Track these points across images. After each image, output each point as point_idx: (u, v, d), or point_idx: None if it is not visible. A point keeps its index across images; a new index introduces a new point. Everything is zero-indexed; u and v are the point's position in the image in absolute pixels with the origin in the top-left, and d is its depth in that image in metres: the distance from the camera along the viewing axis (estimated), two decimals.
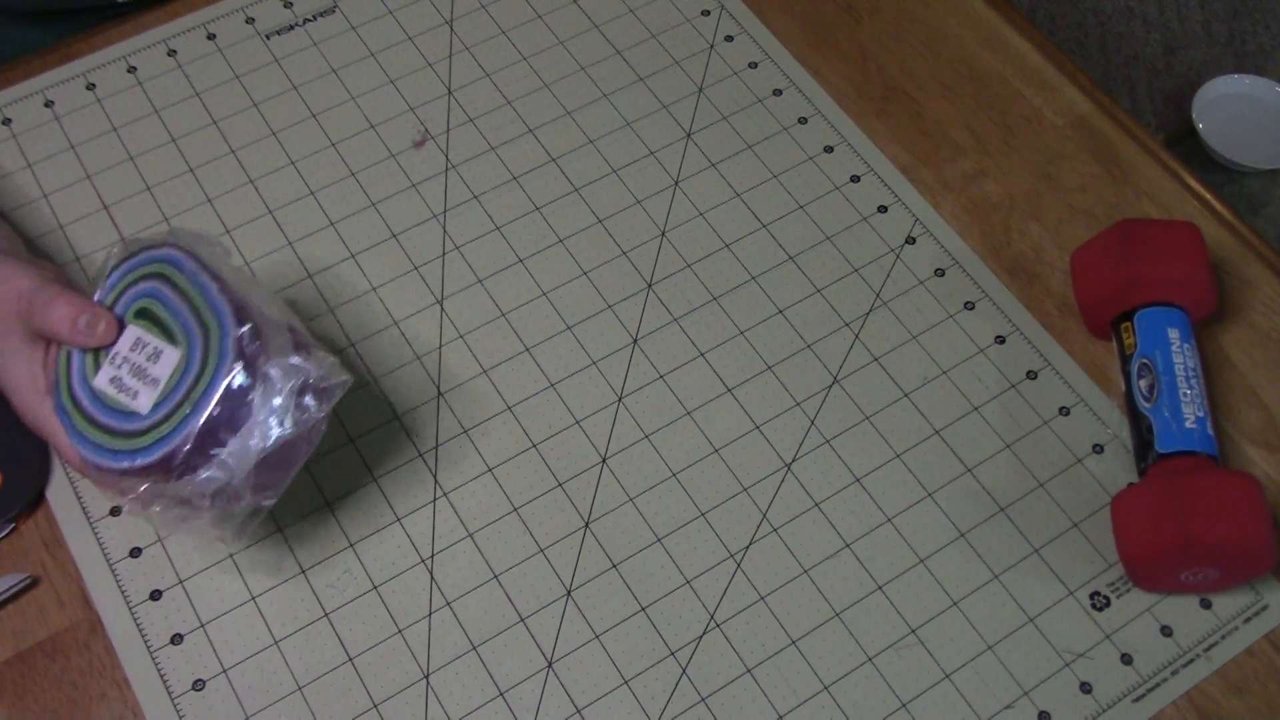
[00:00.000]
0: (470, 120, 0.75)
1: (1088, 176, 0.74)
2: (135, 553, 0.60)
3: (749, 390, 0.66)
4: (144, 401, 0.52)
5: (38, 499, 0.62)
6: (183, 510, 0.52)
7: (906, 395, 0.66)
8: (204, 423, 0.50)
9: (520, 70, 0.77)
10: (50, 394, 0.55)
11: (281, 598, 0.60)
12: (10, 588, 0.59)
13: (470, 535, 0.61)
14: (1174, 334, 0.63)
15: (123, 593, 0.59)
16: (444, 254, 0.70)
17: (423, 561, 0.61)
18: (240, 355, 0.51)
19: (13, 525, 0.61)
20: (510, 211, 0.71)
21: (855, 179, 0.74)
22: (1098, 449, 0.65)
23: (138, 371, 0.53)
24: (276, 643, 0.59)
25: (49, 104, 0.74)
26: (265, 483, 0.52)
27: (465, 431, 0.64)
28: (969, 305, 0.70)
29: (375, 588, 0.60)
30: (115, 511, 0.61)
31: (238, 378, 0.50)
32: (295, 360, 0.51)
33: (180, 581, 0.60)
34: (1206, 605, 0.61)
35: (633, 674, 0.58)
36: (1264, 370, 0.68)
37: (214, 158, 0.72)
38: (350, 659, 0.58)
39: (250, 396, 0.50)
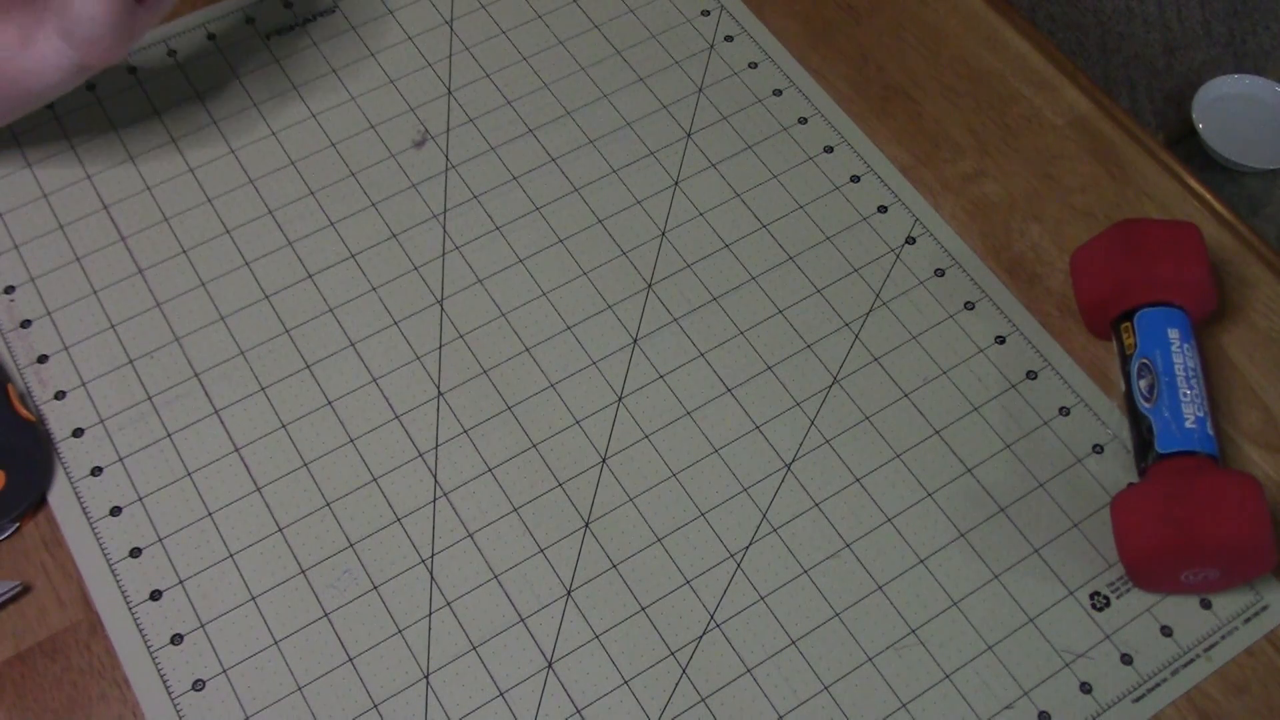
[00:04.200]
0: (470, 120, 0.75)
1: (1088, 176, 0.74)
2: (135, 553, 0.60)
3: (749, 390, 0.66)
4: None
5: (40, 500, 0.61)
6: None
7: (906, 395, 0.66)
8: None
9: (520, 70, 0.77)
10: None
11: (281, 598, 0.60)
12: (1, 595, 0.59)
13: (470, 535, 0.61)
14: (1174, 334, 0.63)
15: (123, 593, 0.59)
16: (444, 254, 0.70)
17: (423, 561, 0.61)
18: None
19: (16, 526, 0.61)
20: (510, 211, 0.71)
21: (855, 179, 0.74)
22: (1098, 449, 0.65)
23: None
24: (276, 643, 0.59)
25: (49, 104, 0.74)
26: None
27: (465, 431, 0.64)
28: (969, 305, 0.70)
29: (375, 588, 0.60)
30: (115, 511, 0.61)
31: None
32: None
33: (180, 581, 0.60)
34: (1206, 605, 0.61)
35: (633, 674, 0.58)
36: (1264, 370, 0.68)
37: (214, 158, 0.72)
38: (350, 659, 0.58)
39: None
